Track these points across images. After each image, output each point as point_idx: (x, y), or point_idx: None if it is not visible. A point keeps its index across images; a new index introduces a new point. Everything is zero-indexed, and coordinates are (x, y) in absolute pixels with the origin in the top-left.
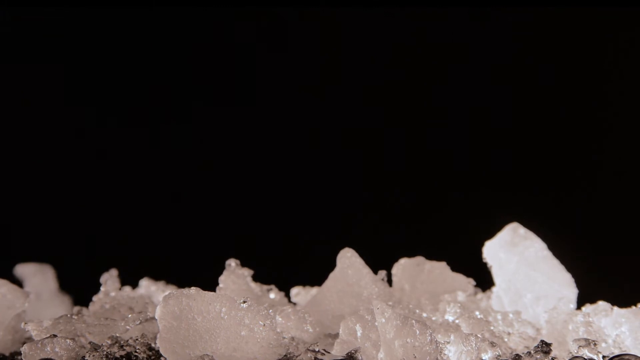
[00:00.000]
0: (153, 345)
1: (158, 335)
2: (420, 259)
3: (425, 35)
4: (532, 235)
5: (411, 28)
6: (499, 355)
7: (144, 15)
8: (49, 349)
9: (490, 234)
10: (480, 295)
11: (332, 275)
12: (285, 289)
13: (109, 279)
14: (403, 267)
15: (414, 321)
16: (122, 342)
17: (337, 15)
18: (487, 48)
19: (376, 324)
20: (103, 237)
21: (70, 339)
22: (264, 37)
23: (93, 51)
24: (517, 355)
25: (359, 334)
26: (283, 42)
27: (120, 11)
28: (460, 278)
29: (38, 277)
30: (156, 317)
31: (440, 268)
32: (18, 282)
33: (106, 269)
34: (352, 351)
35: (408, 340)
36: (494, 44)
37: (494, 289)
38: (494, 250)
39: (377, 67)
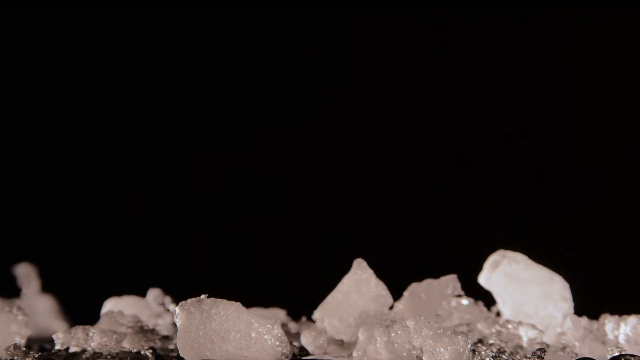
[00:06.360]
0: (159, 351)
1: (177, 337)
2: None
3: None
4: (511, 252)
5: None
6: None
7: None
8: None
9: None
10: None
11: (343, 279)
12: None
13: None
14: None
15: (454, 331)
16: (131, 350)
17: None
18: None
19: (418, 333)
20: (107, 243)
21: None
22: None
23: (95, 51)
24: None
25: (377, 339)
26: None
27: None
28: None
29: (23, 277)
30: (175, 321)
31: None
32: (13, 281)
33: (113, 277)
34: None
35: (453, 347)
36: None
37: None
38: (484, 279)
39: (388, 74)
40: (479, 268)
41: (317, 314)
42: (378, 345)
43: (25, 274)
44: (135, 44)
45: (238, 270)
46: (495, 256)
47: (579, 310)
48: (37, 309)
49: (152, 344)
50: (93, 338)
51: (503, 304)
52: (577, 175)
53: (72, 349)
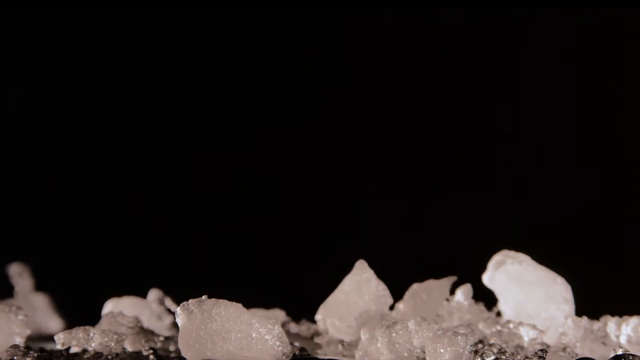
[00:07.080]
0: (159, 351)
1: (178, 337)
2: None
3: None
4: (514, 253)
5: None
6: None
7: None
8: None
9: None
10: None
11: (344, 279)
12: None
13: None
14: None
15: (454, 332)
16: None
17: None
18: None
19: (418, 334)
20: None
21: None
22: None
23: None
24: None
25: (378, 339)
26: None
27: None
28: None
29: (17, 276)
30: (176, 321)
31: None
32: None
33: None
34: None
35: (453, 348)
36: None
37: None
38: (488, 278)
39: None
40: (479, 268)
41: (319, 315)
42: (379, 345)
43: (18, 272)
44: (135, 44)
45: (238, 271)
46: (499, 256)
47: (579, 311)
48: (31, 308)
49: (152, 345)
50: (94, 338)
51: (505, 304)
52: (577, 175)
53: (73, 350)
